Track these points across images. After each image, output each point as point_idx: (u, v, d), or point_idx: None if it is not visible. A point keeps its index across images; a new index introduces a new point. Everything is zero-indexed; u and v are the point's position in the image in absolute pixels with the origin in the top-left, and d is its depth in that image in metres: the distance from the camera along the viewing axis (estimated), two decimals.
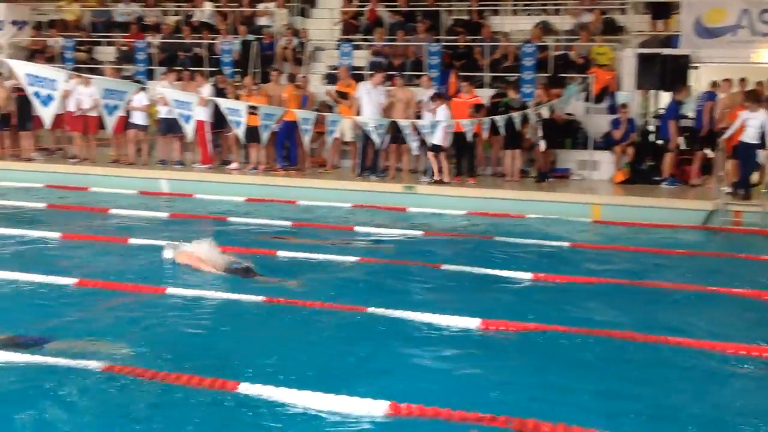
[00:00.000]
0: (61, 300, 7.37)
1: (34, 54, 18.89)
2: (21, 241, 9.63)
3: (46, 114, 8.03)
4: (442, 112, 13.88)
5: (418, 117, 14.46)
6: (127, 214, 11.92)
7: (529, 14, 18.53)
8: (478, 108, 14.38)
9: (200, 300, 7.39)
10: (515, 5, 18.72)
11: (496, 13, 18.56)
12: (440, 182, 13.87)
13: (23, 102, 15.32)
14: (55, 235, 9.95)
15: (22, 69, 7.86)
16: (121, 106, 8.70)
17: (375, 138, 13.76)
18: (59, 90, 7.84)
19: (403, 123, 13.87)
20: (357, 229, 11.27)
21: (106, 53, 19.46)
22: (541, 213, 12.39)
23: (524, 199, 13.00)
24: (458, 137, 13.96)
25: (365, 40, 18.02)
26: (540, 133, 14.07)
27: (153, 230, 10.62)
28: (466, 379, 5.71)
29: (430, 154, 13.97)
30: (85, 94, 15.16)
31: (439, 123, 13.61)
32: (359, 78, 16.18)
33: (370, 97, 14.48)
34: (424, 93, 14.88)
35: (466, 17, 18.50)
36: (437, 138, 13.75)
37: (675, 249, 10.22)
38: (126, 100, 9.09)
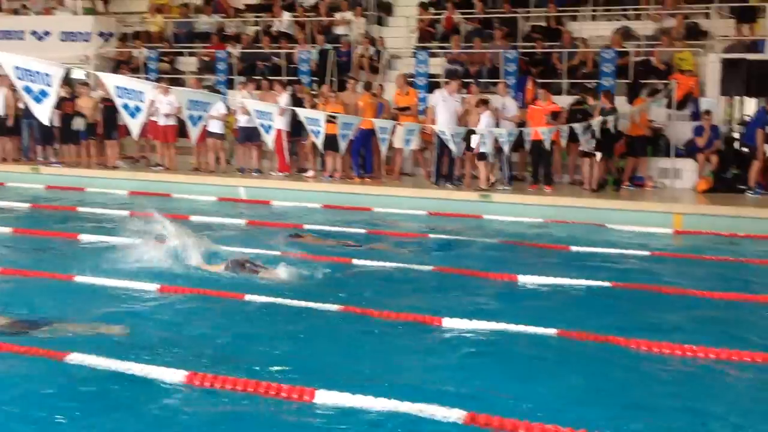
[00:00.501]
0: (142, 304, 7.54)
1: (119, 65, 19.49)
2: (105, 247, 9.90)
3: (134, 125, 8.19)
4: (486, 119, 13.89)
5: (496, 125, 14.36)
6: (206, 221, 12.16)
7: (609, 19, 18.20)
8: (555, 115, 14.19)
9: (274, 307, 7.45)
10: (594, 10, 18.42)
11: (574, 18, 18.31)
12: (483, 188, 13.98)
13: (109, 112, 15.87)
14: (137, 242, 10.19)
15: (112, 81, 8.08)
16: (204, 116, 8.81)
17: (452, 146, 13.71)
18: (146, 101, 8.01)
19: (480, 131, 13.80)
20: (432, 236, 11.23)
21: (188, 63, 19.92)
22: (621, 222, 12.13)
23: (603, 208, 12.77)
24: (535, 145, 13.81)
25: (441, 47, 17.99)
26: (592, 143, 13.74)
27: (231, 236, 10.77)
28: (544, 391, 5.60)
29: (480, 163, 14.10)
30: (164, 103, 15.54)
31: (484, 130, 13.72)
32: (435, 86, 16.18)
33: (445, 104, 14.45)
34: (500, 100, 14.76)
35: (543, 23, 18.30)
36: (474, 144, 13.85)
37: (761, 259, 9.87)
38: (209, 111, 9.21)
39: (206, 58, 19.43)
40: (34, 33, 20.23)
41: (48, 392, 5.41)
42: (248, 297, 7.65)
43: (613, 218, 12.31)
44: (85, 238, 10.42)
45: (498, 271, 8.98)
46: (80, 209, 13.07)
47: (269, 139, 11.05)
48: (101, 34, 20.11)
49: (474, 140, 13.77)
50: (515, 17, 18.18)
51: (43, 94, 6.62)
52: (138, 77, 18.33)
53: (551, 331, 6.72)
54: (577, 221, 12.37)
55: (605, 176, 14.38)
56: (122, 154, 17.08)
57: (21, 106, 16.46)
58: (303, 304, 7.47)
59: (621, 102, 14.98)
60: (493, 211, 13.14)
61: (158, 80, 17.84)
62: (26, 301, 7.49)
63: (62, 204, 13.81)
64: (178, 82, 18.33)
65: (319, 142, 11.90)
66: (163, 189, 15.01)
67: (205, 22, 20.67)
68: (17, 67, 6.61)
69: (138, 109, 7.90)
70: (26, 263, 8.84)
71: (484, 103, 14.13)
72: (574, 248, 10.47)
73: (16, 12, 21.76)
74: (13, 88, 16.68)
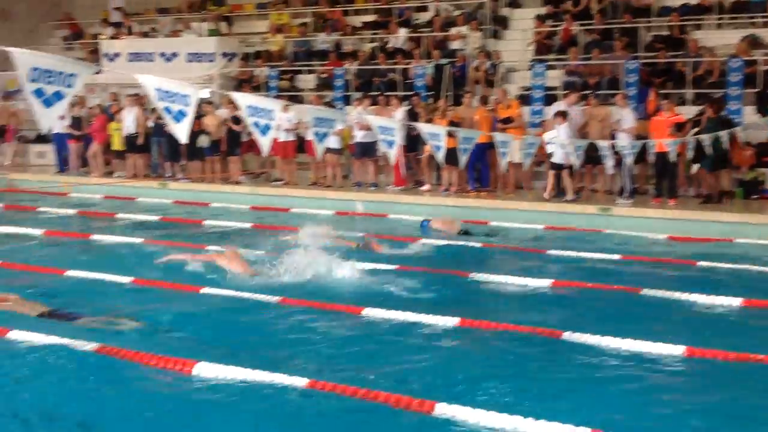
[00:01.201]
0: (263, 316, 7.72)
1: (241, 83, 20.13)
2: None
3: (265, 142, 8.43)
4: (564, 130, 13.80)
5: (613, 137, 14.03)
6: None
7: (735, 27, 17.50)
8: (679, 126, 13.74)
9: (389, 321, 7.50)
10: (720, 18, 17.76)
11: (698, 27, 17.70)
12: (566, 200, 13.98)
13: (231, 129, 16.43)
14: (260, 252, 10.49)
15: (244, 101, 8.38)
16: (330, 133, 8.97)
17: (573, 159, 13.46)
18: (275, 119, 8.23)
19: (602, 144, 13.54)
20: (550, 251, 11.05)
21: (307, 81, 20.38)
22: (751, 237, 11.62)
23: (731, 222, 12.25)
24: (659, 157, 13.40)
25: (559, 59, 17.74)
26: (691, 154, 13.24)
27: (347, 252, 10.90)
28: (670, 411, 5.41)
29: (551, 172, 14.12)
30: (284, 120, 15.92)
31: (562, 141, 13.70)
32: (552, 99, 15.96)
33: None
34: (619, 112, 14.41)
35: (666, 33, 17.77)
36: (557, 156, 13.85)
37: None
38: (334, 128, 9.36)
39: (324, 75, 19.83)
40: (162, 54, 21.15)
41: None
42: (366, 311, 7.73)
43: (742, 232, 11.80)
44: (211, 249, 10.78)
45: (619, 286, 8.76)
46: (206, 223, 13.54)
47: (392, 155, 11.14)
48: (225, 55, 20.82)
49: (558, 153, 13.86)
50: (636, 27, 17.73)
51: (182, 114, 6.89)
52: (259, 95, 18.90)
53: (678, 349, 6.49)
54: (703, 236, 11.91)
55: (732, 188, 13.81)
56: (244, 170, 17.60)
57: (150, 124, 17.24)
58: (420, 317, 7.48)
59: (750, 112, 14.34)
60: (613, 225, 12.82)
61: (278, 97, 18.30)
62: (160, 310, 7.82)
63: (189, 217, 14.35)
64: (297, 99, 18.78)
65: (440, 156, 11.93)
66: (282, 203, 15.38)
67: (323, 40, 21.11)
68: (158, 89, 6.94)
69: (268, 126, 8.14)
70: (157, 275, 9.20)
71: (562, 115, 14.06)
72: (700, 263, 10.09)
73: (145, 35, 22.84)
74: (144, 107, 17.56)
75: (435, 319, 7.41)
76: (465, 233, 12.25)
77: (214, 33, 21.69)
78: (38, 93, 5.85)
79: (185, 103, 6.89)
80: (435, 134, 11.77)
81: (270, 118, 8.05)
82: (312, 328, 7.34)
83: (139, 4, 25.07)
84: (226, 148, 16.86)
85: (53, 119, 6.51)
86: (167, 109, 6.94)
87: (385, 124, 11.02)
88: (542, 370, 6.24)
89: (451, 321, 7.37)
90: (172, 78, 7.72)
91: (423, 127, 12.52)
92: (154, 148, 17.59)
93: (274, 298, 8.14)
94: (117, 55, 21.73)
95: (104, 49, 22.04)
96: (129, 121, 17.46)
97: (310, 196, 15.66)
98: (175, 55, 20.95)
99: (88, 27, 25.09)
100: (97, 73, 15.15)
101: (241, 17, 23.74)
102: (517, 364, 6.39)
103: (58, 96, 5.94)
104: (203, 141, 16.74)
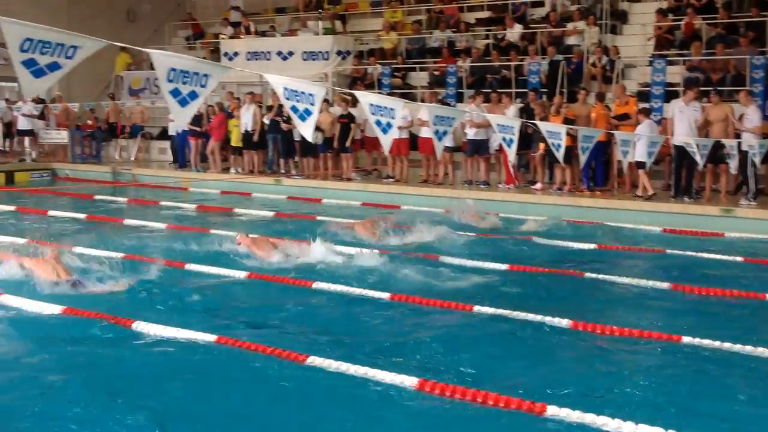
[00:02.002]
0: (374, 312, 7.78)
1: (355, 81, 20.36)
2: (347, 255, 10.33)
3: (386, 141, 8.50)
4: (645, 127, 13.55)
5: (738, 135, 13.44)
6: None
7: None
8: None
9: (500, 320, 7.43)
10: None
11: None
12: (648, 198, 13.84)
13: (344, 127, 16.65)
14: (376, 250, 10.56)
15: (367, 99, 8.48)
16: (450, 131, 8.94)
17: (698, 159, 12.95)
18: (396, 118, 8.27)
19: (727, 142, 13.01)
20: (669, 252, 10.69)
21: (419, 78, 20.41)
22: None
23: None
24: None
25: (680, 55, 17.13)
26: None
27: (459, 248, 10.86)
28: None
29: (641, 172, 13.91)
30: (398, 117, 15.96)
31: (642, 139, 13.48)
32: (672, 96, 15.43)
33: (682, 114, 13.73)
34: (742, 109, 13.78)
35: None
36: (639, 154, 13.57)
37: None
38: (454, 126, 9.32)
39: (437, 73, 19.81)
40: (279, 53, 21.63)
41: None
42: (477, 308, 7.68)
43: None
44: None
45: (742, 290, 8.39)
46: (318, 218, 13.77)
47: (511, 153, 11.00)
48: (339, 53, 21.10)
49: (642, 151, 13.57)
50: (764, 21, 16.91)
51: (307, 112, 7.02)
52: (371, 92, 19.06)
53: None
54: None
55: None
56: (356, 167, 17.80)
57: (266, 121, 17.65)
58: (530, 316, 7.37)
59: None
60: (737, 227, 12.30)
61: (390, 95, 18.43)
62: (271, 304, 8.01)
63: (301, 213, 14.62)
64: (410, 97, 18.84)
65: (560, 155, 11.74)
66: (393, 201, 15.45)
67: (436, 37, 21.09)
68: (286, 88, 7.12)
69: (389, 125, 8.20)
70: (271, 270, 9.42)
71: (645, 112, 13.94)
72: None
73: (263, 34, 23.41)
74: (260, 105, 18.01)
75: (547, 320, 7.28)
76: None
77: (329, 31, 22.01)
78: (175, 93, 6.03)
79: (310, 102, 7.02)
80: (555, 132, 11.55)
81: (391, 117, 8.09)
82: (420, 324, 7.35)
83: (257, 4, 25.75)
84: (339, 145, 17.08)
85: (187, 118, 6.64)
86: (293, 108, 7.09)
87: (504, 123, 10.84)
88: (656, 375, 6.03)
89: (563, 322, 7.23)
90: (289, 76, 7.88)
91: (543, 126, 12.29)
92: (269, 145, 18.01)
93: (384, 295, 8.19)
94: (236, 54, 22.36)
95: (224, 49, 22.73)
96: (246, 118, 17.95)
97: (421, 193, 15.68)
98: (291, 53, 21.39)
99: (209, 27, 25.94)
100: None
101: (355, 15, 24.01)
102: (632, 369, 6.21)
103: (193, 96, 6.11)
104: (317, 138, 17.01)
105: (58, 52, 5.15)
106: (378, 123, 8.17)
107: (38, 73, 5.11)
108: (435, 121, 9.14)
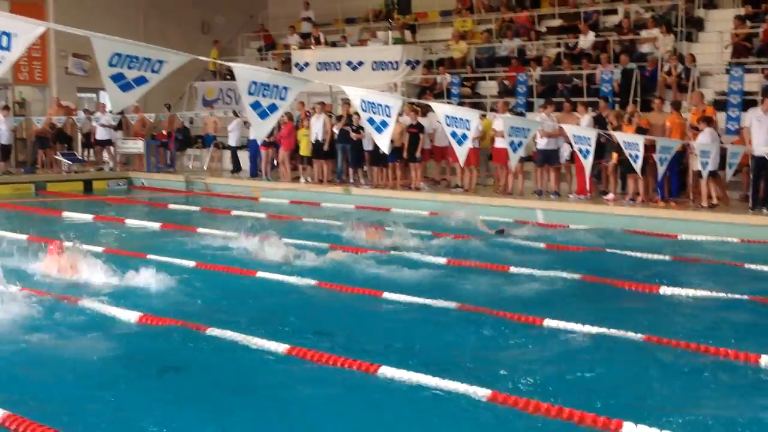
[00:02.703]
0: (443, 324, 7.74)
1: (424, 90, 20.38)
2: (408, 264, 10.35)
3: (462, 152, 8.48)
4: (705, 136, 13.23)
5: None
6: (505, 242, 12.24)
7: None
8: None
9: (570, 333, 7.32)
10: None
11: None
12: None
13: (414, 137, 16.66)
14: (442, 260, 10.56)
15: (443, 110, 8.50)
16: (524, 143, 8.85)
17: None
18: (472, 130, 8.22)
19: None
20: (747, 266, 10.38)
21: (489, 87, 20.30)
22: None
23: None
24: None
25: (759, 62, 16.65)
26: None
27: (528, 260, 10.75)
28: None
29: (709, 180, 13.59)
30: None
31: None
32: (750, 104, 15.00)
33: (760, 124, 13.34)
34: None
35: None
36: (712, 164, 13.17)
37: None
38: (529, 137, 9.22)
39: (506, 82, 19.68)
40: (349, 63, 21.80)
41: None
42: (547, 321, 7.57)
43: None
44: (395, 254, 10.98)
45: None
46: (387, 228, 13.77)
47: (588, 164, 10.82)
48: (408, 63, 21.15)
49: (713, 160, 13.17)
50: None
51: (384, 124, 7.06)
52: (440, 102, 19.06)
53: None
54: None
55: None
56: (425, 176, 17.78)
57: (335, 131, 17.79)
58: (604, 331, 7.24)
59: None
60: None
61: (460, 104, 18.40)
62: (340, 313, 8.04)
63: (371, 222, 14.62)
64: (479, 106, 18.76)
65: (638, 166, 11.52)
66: (461, 210, 15.36)
67: (506, 46, 20.95)
68: (363, 100, 7.17)
69: (465, 136, 8.17)
70: (340, 280, 9.48)
71: (706, 120, 13.50)
72: None
73: (334, 44, 23.63)
74: (330, 115, 18.17)
75: (621, 334, 7.14)
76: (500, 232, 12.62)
77: (399, 41, 22.07)
78: (255, 105, 6.13)
79: (387, 114, 7.06)
80: (632, 143, 11.33)
81: (467, 128, 8.06)
82: (491, 337, 7.29)
83: (328, 15, 25.99)
84: (408, 154, 17.09)
85: (267, 130, 6.69)
86: (370, 120, 7.14)
87: (581, 133, 10.65)
88: (733, 397, 5.85)
89: (637, 336, 7.07)
90: (358, 86, 7.92)
91: (621, 136, 12.06)
92: (339, 155, 18.13)
93: (452, 304, 8.16)
94: (306, 64, 22.63)
95: (295, 59, 23.02)
96: (317, 127, 18.12)
97: (490, 203, 15.56)
98: (360, 63, 21.53)
99: (280, 38, 26.31)
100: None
101: (425, 25, 24.04)
102: (708, 387, 6.03)
103: (273, 108, 6.19)
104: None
105: (145, 66, 5.22)
106: (453, 134, 8.16)
107: (126, 87, 5.19)
108: (510, 132, 9.04)
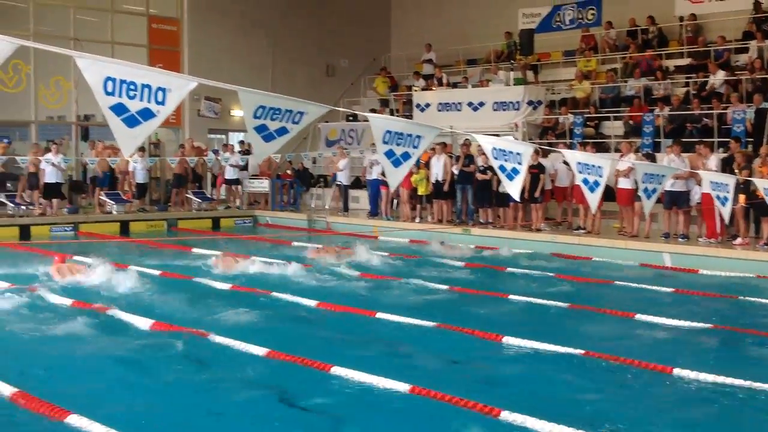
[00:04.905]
0: (566, 370, 7.57)
1: (545, 131, 20.17)
2: (527, 308, 10.19)
3: (594, 199, 8.13)
4: None
5: None
6: (630, 287, 11.90)
7: None
8: None
9: (699, 383, 7.01)
10: None
11: None
12: None
13: (535, 177, 16.46)
14: (563, 305, 10.35)
15: (575, 158, 8.40)
16: (659, 189, 8.49)
17: None
18: (603, 176, 7.97)
19: None
20: None
21: (613, 128, 19.88)
22: None
23: None
24: None
25: None
26: None
27: (657, 306, 10.39)
28: None
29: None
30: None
31: None
32: None
33: None
34: None
35: None
36: None
37: None
38: (663, 183, 8.82)
39: (632, 122, 19.23)
40: (470, 104, 21.83)
41: None
42: (677, 371, 7.29)
43: None
44: (513, 298, 10.86)
45: None
46: (508, 269, 13.64)
47: (726, 212, 10.33)
48: (530, 103, 20.99)
49: None
50: None
51: (515, 171, 7.05)
52: (563, 142, 18.81)
53: None
54: None
55: None
56: (546, 217, 17.52)
57: (455, 171, 17.80)
58: (737, 382, 6.90)
59: None
60: None
61: (583, 145, 18.11)
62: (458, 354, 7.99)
63: (491, 264, 14.53)
64: (603, 146, 18.40)
65: None
66: (583, 252, 15.06)
67: (632, 86, 20.52)
68: (495, 148, 7.21)
69: (597, 183, 7.96)
70: (459, 321, 9.43)
71: None
72: None
73: (455, 85, 23.77)
74: (450, 155, 18.22)
75: (756, 386, 6.78)
76: None
77: (520, 82, 21.97)
78: (389, 154, 6.27)
79: (518, 162, 7.04)
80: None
81: (599, 175, 7.87)
82: (612, 383, 7.09)
83: (449, 57, 26.21)
84: (529, 195, 16.90)
85: (400, 178, 6.78)
86: (501, 168, 7.15)
87: (719, 180, 10.12)
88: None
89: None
90: (479, 126, 7.90)
91: (761, 183, 11.52)
92: (458, 195, 18.13)
93: (577, 351, 7.99)
94: (428, 105, 22.83)
95: (416, 100, 23.27)
96: (437, 168, 18.19)
97: (613, 246, 15.15)
98: (482, 104, 21.52)
99: (402, 80, 26.69)
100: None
101: (548, 65, 23.87)
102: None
103: (406, 157, 6.32)
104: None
105: (287, 117, 5.38)
106: (585, 181, 7.99)
107: (268, 137, 5.37)
108: (644, 179, 8.65)
